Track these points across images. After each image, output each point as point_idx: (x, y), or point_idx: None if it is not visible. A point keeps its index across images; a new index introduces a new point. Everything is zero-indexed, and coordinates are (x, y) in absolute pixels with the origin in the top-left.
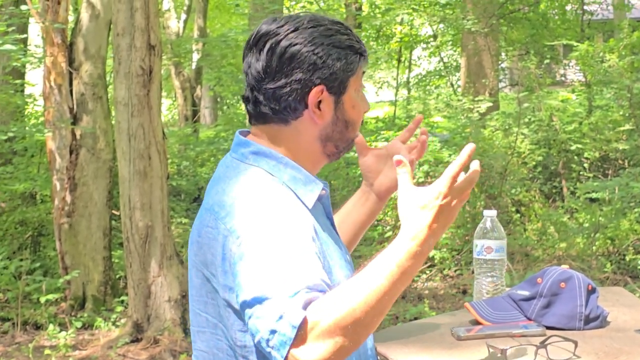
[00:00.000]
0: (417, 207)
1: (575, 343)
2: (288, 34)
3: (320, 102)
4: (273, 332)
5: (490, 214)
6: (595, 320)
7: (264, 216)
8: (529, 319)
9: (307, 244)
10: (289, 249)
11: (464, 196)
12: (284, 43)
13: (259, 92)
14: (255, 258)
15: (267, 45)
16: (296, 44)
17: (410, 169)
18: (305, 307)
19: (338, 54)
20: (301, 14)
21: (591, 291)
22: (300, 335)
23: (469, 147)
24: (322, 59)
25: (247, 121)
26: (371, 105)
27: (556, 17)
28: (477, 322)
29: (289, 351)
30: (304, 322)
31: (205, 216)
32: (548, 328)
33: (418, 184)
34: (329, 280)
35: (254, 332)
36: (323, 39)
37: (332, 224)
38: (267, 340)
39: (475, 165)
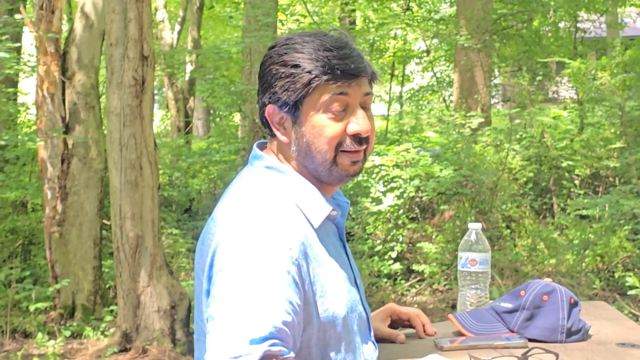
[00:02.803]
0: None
1: (557, 355)
2: (267, 52)
3: (285, 121)
4: None
5: (475, 226)
6: (577, 333)
7: (254, 236)
8: (512, 331)
9: (284, 276)
10: (265, 279)
11: None
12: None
13: None
14: (231, 277)
15: None
16: (261, 65)
17: None
18: None
19: (280, 74)
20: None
21: (573, 304)
22: None
23: None
24: (268, 78)
25: (239, 133)
26: None
27: (549, 34)
28: (460, 334)
29: None
30: None
31: (210, 224)
32: (530, 340)
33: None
34: (296, 316)
35: (207, 348)
36: (276, 57)
37: (345, 246)
38: None
39: None
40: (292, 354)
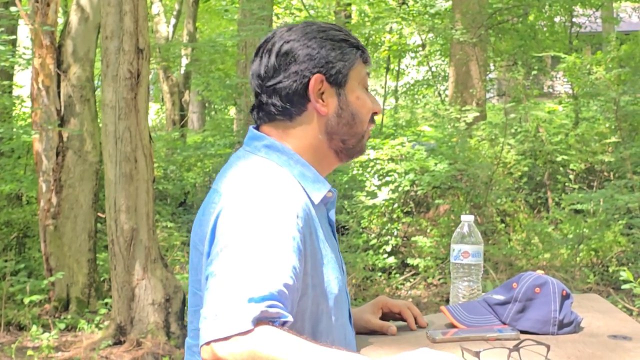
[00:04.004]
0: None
1: (548, 347)
2: (282, 34)
3: (322, 93)
4: (216, 315)
5: (468, 219)
6: (569, 326)
7: (263, 200)
8: (504, 323)
9: (290, 241)
10: (271, 242)
11: None
12: (278, 42)
13: (262, 93)
14: (237, 237)
15: (265, 49)
16: (290, 41)
17: None
18: (257, 320)
19: (332, 45)
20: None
21: (565, 297)
22: (235, 340)
23: None
24: (316, 50)
25: (234, 127)
26: None
27: (544, 29)
28: (452, 326)
29: (213, 342)
30: (247, 332)
31: (212, 195)
32: (522, 332)
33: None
34: (297, 282)
35: (203, 303)
36: (316, 33)
37: (333, 231)
38: (205, 318)
39: None
40: (290, 318)
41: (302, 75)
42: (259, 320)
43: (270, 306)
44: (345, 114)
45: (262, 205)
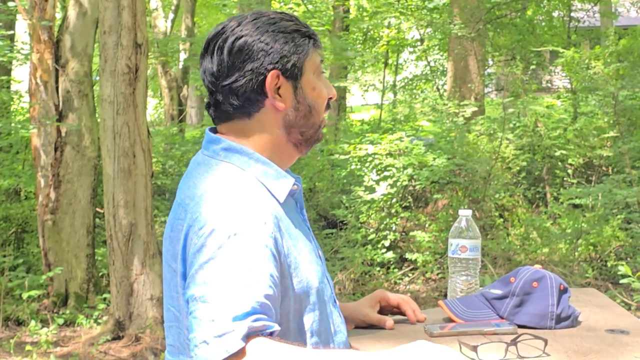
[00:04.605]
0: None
1: (546, 341)
2: (233, 29)
3: (279, 87)
4: (206, 342)
5: (465, 213)
6: (566, 320)
7: (229, 213)
8: (502, 318)
9: (263, 250)
10: (244, 255)
11: None
12: (230, 39)
13: (217, 92)
14: (210, 255)
15: (216, 46)
16: (242, 36)
17: None
18: (246, 336)
19: (285, 38)
20: (246, 13)
21: (563, 291)
22: None
23: None
24: (270, 45)
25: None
26: (357, 108)
27: (543, 23)
28: (450, 320)
29: None
30: (240, 352)
31: (177, 210)
32: (520, 326)
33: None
34: (276, 289)
35: (189, 328)
36: (267, 26)
37: (305, 220)
38: (196, 346)
39: None
40: (276, 327)
41: (258, 72)
42: (248, 336)
43: (255, 320)
44: (302, 106)
45: (230, 219)
